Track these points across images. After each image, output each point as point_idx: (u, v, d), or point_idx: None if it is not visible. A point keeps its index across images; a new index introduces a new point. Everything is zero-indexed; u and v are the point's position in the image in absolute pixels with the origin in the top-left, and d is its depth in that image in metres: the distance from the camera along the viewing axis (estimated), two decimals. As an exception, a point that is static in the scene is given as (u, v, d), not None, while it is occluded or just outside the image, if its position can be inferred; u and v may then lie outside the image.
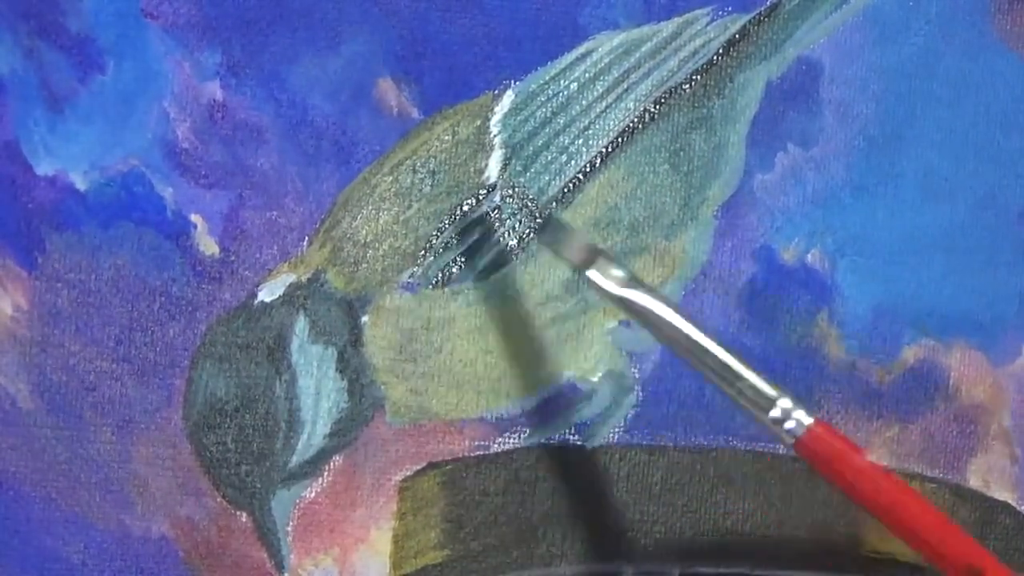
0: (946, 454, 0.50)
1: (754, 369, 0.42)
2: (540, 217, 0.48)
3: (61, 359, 0.46)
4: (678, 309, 0.43)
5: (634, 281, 0.43)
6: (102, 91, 0.46)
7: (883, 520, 0.41)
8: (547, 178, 0.48)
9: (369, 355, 0.47)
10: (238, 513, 0.47)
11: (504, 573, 0.49)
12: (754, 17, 0.49)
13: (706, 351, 0.42)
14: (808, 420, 0.41)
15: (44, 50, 0.45)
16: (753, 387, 0.42)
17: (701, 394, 0.49)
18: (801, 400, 0.42)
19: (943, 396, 0.50)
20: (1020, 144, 0.50)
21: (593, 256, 0.44)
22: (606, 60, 0.48)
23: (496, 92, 0.48)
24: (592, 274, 0.43)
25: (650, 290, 0.43)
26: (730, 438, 0.49)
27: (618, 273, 0.43)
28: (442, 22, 0.47)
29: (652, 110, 0.48)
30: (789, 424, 0.41)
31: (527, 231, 0.48)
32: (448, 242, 0.48)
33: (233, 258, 0.47)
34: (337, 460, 0.48)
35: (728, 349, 0.42)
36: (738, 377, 0.42)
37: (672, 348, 0.43)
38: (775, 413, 0.41)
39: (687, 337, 0.42)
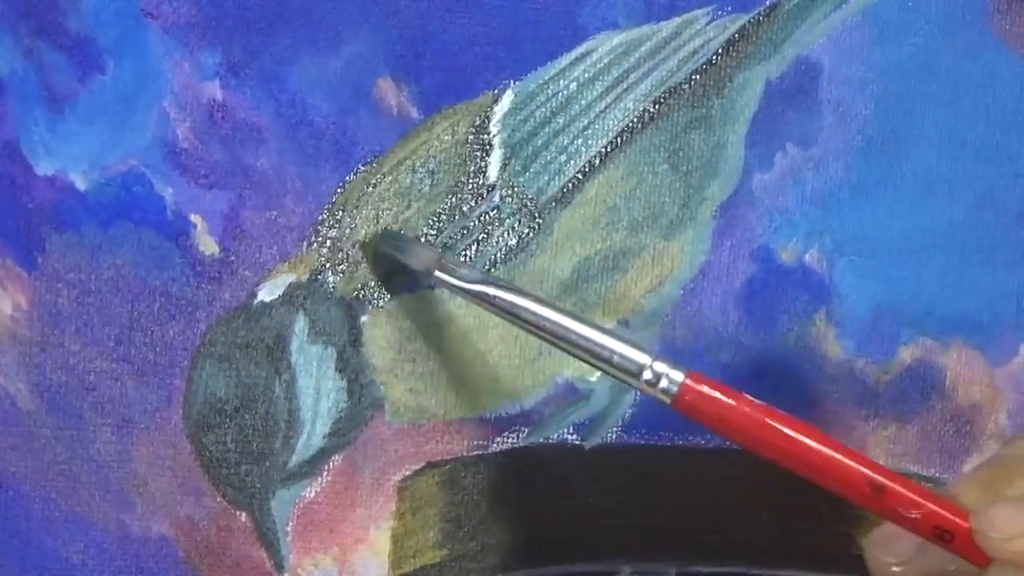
0: (942, 453, 0.51)
1: (620, 338, 0.41)
2: (539, 216, 0.48)
3: (61, 359, 0.46)
4: (532, 295, 0.43)
5: (484, 274, 0.43)
6: (102, 91, 0.46)
7: (775, 459, 0.40)
8: (546, 178, 0.48)
9: (368, 355, 0.48)
10: (238, 513, 0.47)
11: (502, 573, 0.49)
12: (753, 17, 0.49)
13: (569, 329, 0.42)
14: (679, 376, 0.41)
15: (44, 50, 0.45)
16: (621, 355, 0.41)
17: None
18: (669, 358, 0.41)
19: (940, 395, 0.50)
20: (1019, 144, 0.50)
21: (437, 258, 0.44)
22: (606, 60, 0.48)
23: (496, 92, 0.48)
24: (440, 274, 0.43)
25: (501, 281, 0.43)
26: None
27: (465, 271, 0.43)
28: (442, 22, 0.47)
29: (651, 110, 0.48)
30: (663, 384, 0.41)
31: (525, 231, 0.48)
32: (447, 242, 0.48)
33: (233, 258, 0.47)
34: (336, 460, 0.48)
35: (589, 323, 0.42)
36: (604, 348, 0.41)
37: (536, 334, 0.42)
38: (647, 375, 0.41)
39: (547, 319, 0.42)
